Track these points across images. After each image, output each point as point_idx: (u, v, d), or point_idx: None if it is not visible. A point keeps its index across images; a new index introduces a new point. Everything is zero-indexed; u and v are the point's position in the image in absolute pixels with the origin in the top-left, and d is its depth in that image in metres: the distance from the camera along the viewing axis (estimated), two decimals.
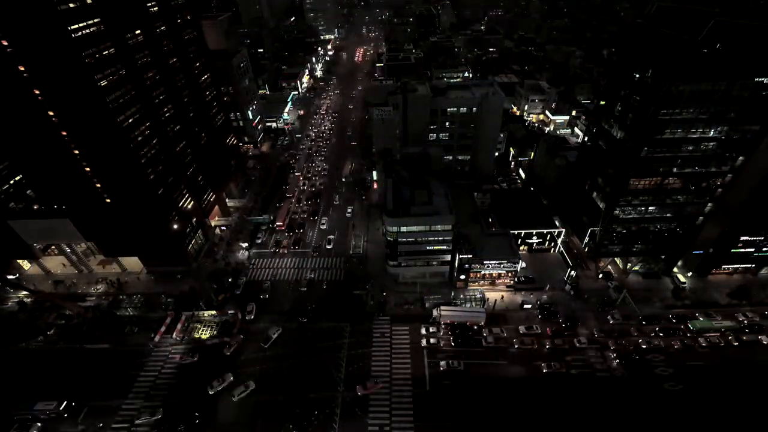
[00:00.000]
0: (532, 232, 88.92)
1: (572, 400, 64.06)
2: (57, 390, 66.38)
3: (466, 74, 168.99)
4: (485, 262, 79.94)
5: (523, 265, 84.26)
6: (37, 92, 62.64)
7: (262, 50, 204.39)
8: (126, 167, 72.13)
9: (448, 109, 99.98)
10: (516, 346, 72.25)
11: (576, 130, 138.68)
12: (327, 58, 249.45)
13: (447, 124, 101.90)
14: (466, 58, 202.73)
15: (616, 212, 77.58)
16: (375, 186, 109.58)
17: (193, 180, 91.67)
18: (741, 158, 70.03)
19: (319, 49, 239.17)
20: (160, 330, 75.38)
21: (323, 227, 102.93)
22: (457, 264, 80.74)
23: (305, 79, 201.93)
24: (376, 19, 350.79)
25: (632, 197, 75.71)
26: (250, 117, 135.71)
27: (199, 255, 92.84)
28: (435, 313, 76.30)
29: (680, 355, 70.56)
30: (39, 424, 61.91)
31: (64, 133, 67.35)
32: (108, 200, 75.73)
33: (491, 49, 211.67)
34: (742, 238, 79.34)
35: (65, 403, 64.07)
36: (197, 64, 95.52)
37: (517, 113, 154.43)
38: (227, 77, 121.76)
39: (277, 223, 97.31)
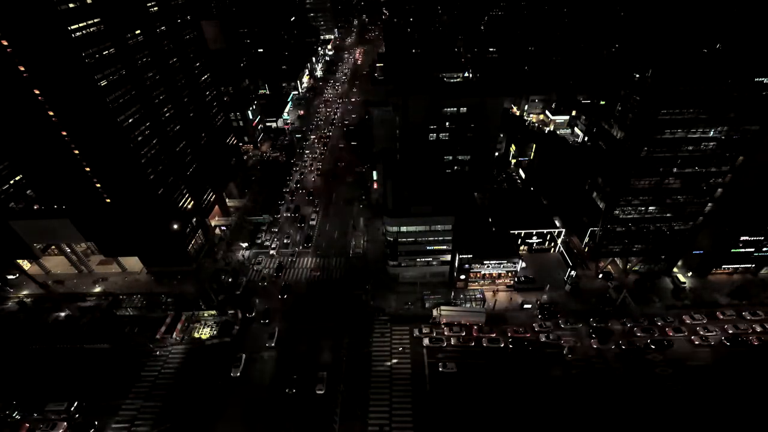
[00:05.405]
0: (532, 232, 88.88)
1: None
2: (57, 390, 66.21)
3: (466, 74, 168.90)
4: (485, 262, 79.97)
5: (523, 265, 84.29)
6: (37, 92, 62.59)
7: (262, 50, 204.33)
8: (126, 167, 72.08)
9: (448, 110, 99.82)
10: None
11: (576, 130, 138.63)
12: (327, 58, 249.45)
13: (447, 124, 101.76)
14: (466, 58, 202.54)
15: (616, 212, 77.57)
16: (375, 186, 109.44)
17: (193, 180, 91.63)
18: (741, 158, 70.06)
19: (319, 49, 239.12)
20: (160, 330, 75.41)
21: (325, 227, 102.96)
22: (457, 264, 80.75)
23: (305, 79, 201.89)
24: (376, 19, 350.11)
25: (632, 197, 75.70)
26: (250, 117, 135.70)
27: (199, 255, 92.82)
28: (435, 313, 76.30)
29: None
30: (28, 425, 61.78)
31: (64, 133, 67.31)
32: (108, 200, 75.67)
33: (491, 49, 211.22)
34: (742, 238, 79.38)
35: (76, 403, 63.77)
36: (197, 64, 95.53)
37: (517, 113, 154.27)
38: (227, 77, 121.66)
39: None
